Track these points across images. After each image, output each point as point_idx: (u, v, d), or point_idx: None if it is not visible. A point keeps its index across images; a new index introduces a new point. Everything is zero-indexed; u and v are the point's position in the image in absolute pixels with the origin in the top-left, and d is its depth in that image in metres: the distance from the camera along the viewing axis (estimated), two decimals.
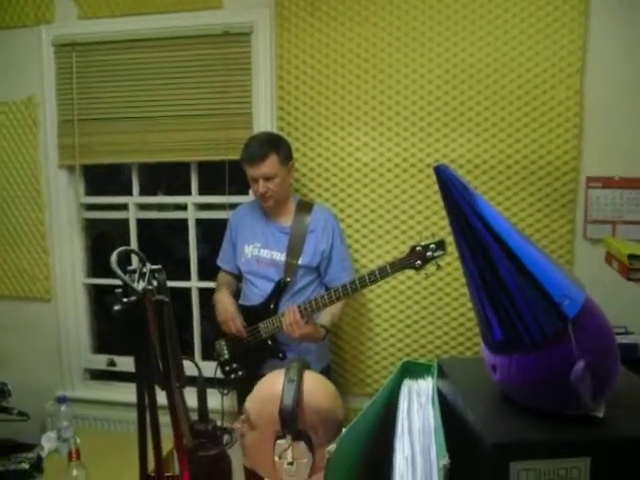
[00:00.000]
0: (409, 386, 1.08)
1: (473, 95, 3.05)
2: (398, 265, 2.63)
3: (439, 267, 2.61)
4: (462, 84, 3.05)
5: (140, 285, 1.03)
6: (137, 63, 3.43)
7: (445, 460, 0.85)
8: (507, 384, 0.89)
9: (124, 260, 1.04)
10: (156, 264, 1.16)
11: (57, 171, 3.65)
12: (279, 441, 1.45)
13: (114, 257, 1.03)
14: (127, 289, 1.02)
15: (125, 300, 1.02)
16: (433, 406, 1.01)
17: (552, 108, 2.97)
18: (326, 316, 2.91)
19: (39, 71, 3.58)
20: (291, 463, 1.44)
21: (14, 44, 3.61)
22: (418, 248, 2.60)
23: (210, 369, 2.93)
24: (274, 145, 2.89)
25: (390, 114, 3.13)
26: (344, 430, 0.92)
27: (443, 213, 2.86)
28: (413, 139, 3.12)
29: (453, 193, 0.87)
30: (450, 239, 2.81)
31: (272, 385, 1.54)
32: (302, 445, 1.44)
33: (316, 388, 1.54)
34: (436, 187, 2.72)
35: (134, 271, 1.09)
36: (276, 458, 1.45)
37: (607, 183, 3.01)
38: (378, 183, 3.18)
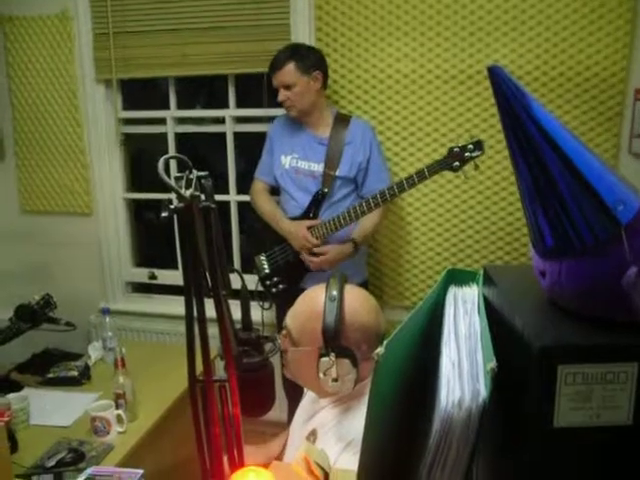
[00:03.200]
0: (454, 293, 1.08)
1: (517, 3, 2.94)
2: (436, 167, 2.63)
3: (477, 167, 2.61)
4: None
5: (187, 192, 1.03)
6: None
7: (492, 364, 0.85)
8: (556, 290, 0.89)
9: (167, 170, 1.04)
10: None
11: (94, 85, 3.65)
12: (323, 359, 1.45)
13: (161, 163, 1.02)
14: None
15: (172, 206, 1.03)
16: (479, 312, 1.01)
17: (602, 16, 2.85)
18: (357, 229, 2.95)
19: None
20: (336, 379, 1.46)
21: None
22: (456, 149, 2.59)
23: (250, 282, 2.98)
24: (295, 54, 2.90)
25: (431, 24, 3.04)
26: (391, 334, 0.93)
27: (484, 126, 2.84)
28: (455, 49, 3.04)
29: (507, 95, 0.84)
30: (488, 140, 2.80)
31: (313, 302, 1.54)
32: (346, 362, 1.46)
33: (358, 304, 1.54)
34: (478, 99, 2.69)
35: (180, 178, 1.09)
36: (321, 375, 1.46)
37: None
38: (418, 95, 3.12)
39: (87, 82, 3.64)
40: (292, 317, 1.61)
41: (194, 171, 1.11)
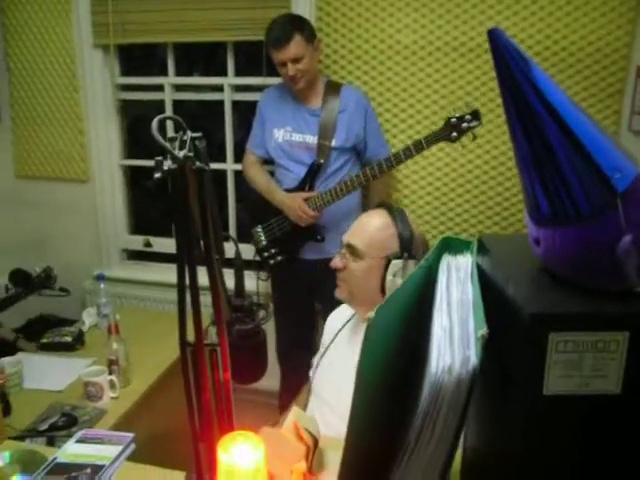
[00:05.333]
0: (448, 261, 1.08)
1: None
2: (433, 138, 2.62)
3: (475, 138, 2.61)
4: None
5: (181, 153, 1.02)
6: None
7: (483, 331, 0.85)
8: (550, 258, 0.88)
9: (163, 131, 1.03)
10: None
11: (92, 51, 3.61)
12: (395, 261, 1.73)
13: (155, 123, 1.01)
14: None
15: (166, 168, 1.02)
16: (472, 280, 1.01)
17: None
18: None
19: None
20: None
21: None
22: (453, 120, 2.59)
23: (245, 251, 2.97)
24: (297, 25, 2.83)
25: None
26: (384, 299, 0.93)
27: (483, 99, 2.82)
28: (456, 21, 3.00)
29: (507, 60, 0.82)
30: (486, 114, 2.79)
31: (379, 217, 1.83)
32: (413, 263, 1.73)
33: (413, 221, 1.86)
34: (478, 72, 2.66)
35: (174, 139, 1.08)
36: (390, 277, 1.73)
37: None
38: (418, 66, 3.08)
39: (85, 47, 3.59)
40: (355, 234, 1.83)
41: (188, 132, 1.09)
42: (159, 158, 1.03)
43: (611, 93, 2.93)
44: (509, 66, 0.83)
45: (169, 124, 3.17)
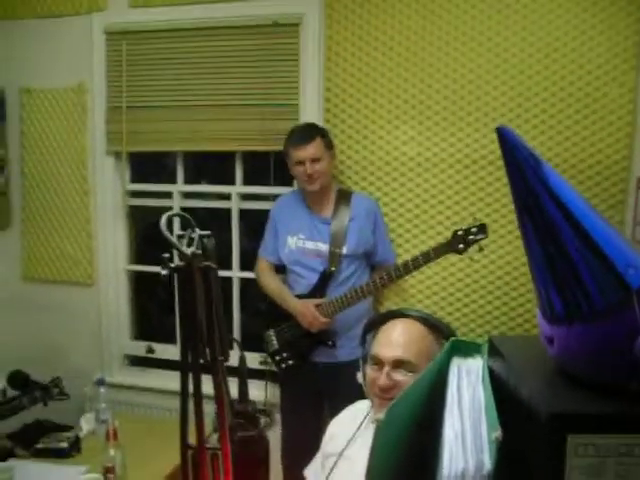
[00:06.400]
0: (458, 364, 1.05)
1: (523, 91, 2.99)
2: (441, 250, 2.70)
3: (481, 249, 2.67)
4: (512, 79, 3.00)
5: (188, 250, 1.02)
6: (186, 52, 3.43)
7: (497, 433, 0.82)
8: (565, 356, 0.86)
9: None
10: None
11: (104, 157, 3.69)
12: None
13: (164, 219, 1.01)
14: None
15: (173, 265, 1.01)
16: (483, 383, 0.98)
17: (604, 106, 2.90)
18: None
19: (89, 58, 3.62)
20: None
21: (66, 32, 3.66)
22: (460, 232, 2.66)
23: (249, 360, 2.93)
24: (319, 130, 3.00)
25: (437, 109, 3.09)
26: (393, 401, 0.90)
27: (488, 210, 2.84)
28: (460, 134, 3.08)
29: (518, 159, 0.83)
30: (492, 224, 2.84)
31: (416, 327, 1.80)
32: None
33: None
34: (482, 183, 2.70)
35: (183, 236, 1.08)
36: None
37: None
38: (424, 178, 3.14)
39: (97, 153, 3.68)
40: (399, 348, 1.77)
41: (197, 230, 1.10)
42: (166, 255, 1.03)
43: (613, 204, 2.96)
44: (520, 166, 0.84)
45: (176, 228, 3.19)
